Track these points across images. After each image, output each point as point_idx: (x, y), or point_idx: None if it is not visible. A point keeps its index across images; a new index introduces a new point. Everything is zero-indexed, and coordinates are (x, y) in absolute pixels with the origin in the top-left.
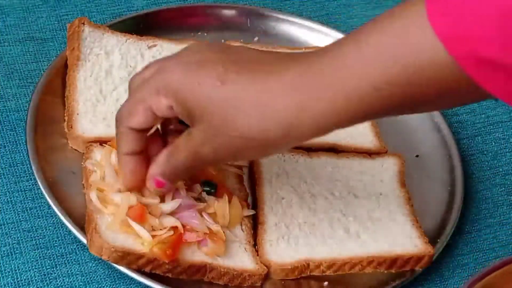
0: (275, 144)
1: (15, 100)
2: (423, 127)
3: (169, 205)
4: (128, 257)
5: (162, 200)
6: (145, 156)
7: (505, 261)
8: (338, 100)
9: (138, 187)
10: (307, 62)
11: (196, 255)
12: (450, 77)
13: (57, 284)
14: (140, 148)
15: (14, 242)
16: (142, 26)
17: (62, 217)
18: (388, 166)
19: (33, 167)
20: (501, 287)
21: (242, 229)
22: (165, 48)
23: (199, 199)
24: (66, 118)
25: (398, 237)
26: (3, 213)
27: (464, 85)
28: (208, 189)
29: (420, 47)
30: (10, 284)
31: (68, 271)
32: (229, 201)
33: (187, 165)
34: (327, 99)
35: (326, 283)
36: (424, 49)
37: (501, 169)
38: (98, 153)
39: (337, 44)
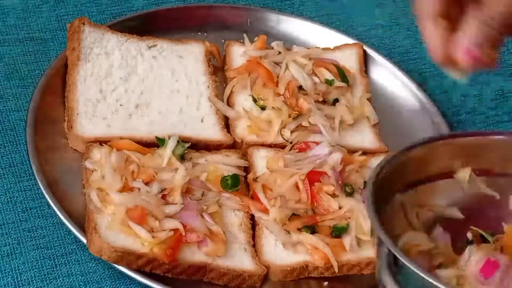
0: None
1: (15, 100)
2: (423, 127)
3: (171, 208)
4: (128, 257)
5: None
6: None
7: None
8: None
9: (446, 59)
10: None
11: (196, 255)
12: None
13: (57, 284)
14: (443, 9)
15: (14, 242)
16: (142, 26)
17: (62, 217)
18: None
19: (33, 167)
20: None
21: (242, 230)
22: (165, 48)
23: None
24: (66, 118)
25: None
26: (3, 213)
27: None
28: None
29: None
30: (10, 284)
31: (68, 271)
32: None
33: (506, 14)
34: None
35: (326, 283)
36: None
37: None
38: (98, 153)
39: None
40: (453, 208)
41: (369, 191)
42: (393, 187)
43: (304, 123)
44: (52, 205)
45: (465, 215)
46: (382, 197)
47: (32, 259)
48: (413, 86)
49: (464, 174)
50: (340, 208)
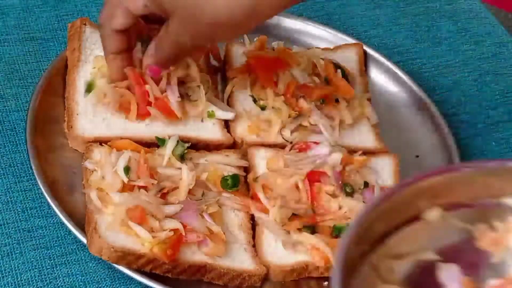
0: (242, 25)
1: (15, 100)
2: (423, 127)
3: (171, 208)
4: (128, 257)
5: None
6: (128, 54)
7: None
8: None
9: (122, 79)
10: None
11: (196, 255)
12: None
13: (57, 284)
14: (124, 47)
15: (14, 242)
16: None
17: (62, 217)
18: (384, 166)
19: (33, 167)
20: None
21: (242, 230)
22: None
23: (200, 200)
24: (66, 118)
25: None
26: (3, 213)
27: None
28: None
29: None
30: (10, 284)
31: (68, 271)
32: None
33: (172, 52)
34: None
35: (326, 283)
36: None
37: None
38: (98, 153)
39: None
40: (427, 252)
41: (337, 268)
42: (360, 253)
43: (304, 123)
44: (52, 205)
45: (443, 254)
46: (352, 269)
47: (32, 259)
48: (413, 86)
49: (433, 213)
50: (340, 208)
